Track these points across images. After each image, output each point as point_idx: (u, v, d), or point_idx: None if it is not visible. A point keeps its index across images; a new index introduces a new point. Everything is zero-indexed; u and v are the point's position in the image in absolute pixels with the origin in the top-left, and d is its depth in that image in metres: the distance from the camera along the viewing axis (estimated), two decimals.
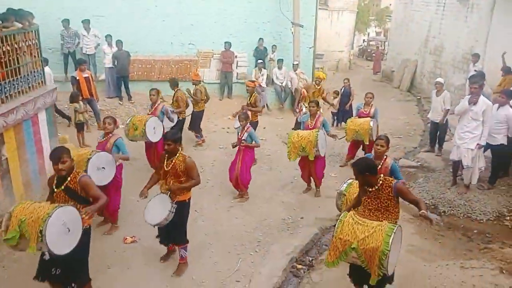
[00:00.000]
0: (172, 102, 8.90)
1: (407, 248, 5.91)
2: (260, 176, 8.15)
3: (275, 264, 5.45)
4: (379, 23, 31.30)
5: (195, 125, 9.72)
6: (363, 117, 8.45)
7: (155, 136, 7.55)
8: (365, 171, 4.11)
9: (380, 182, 4.15)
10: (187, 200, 5.06)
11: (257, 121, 8.97)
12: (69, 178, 4.10)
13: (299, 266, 5.54)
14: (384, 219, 4.09)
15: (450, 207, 7.13)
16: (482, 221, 6.75)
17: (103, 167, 5.56)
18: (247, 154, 7.24)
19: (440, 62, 15.08)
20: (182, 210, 5.00)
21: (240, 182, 7.19)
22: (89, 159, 5.44)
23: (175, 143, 4.87)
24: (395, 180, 4.22)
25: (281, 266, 5.40)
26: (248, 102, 8.81)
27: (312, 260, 5.69)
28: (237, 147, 7.24)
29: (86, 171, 5.17)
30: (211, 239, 5.92)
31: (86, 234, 4.13)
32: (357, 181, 4.82)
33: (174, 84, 9.06)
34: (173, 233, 5.09)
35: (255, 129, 8.54)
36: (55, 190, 4.15)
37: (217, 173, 8.22)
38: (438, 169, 8.70)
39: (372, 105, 8.57)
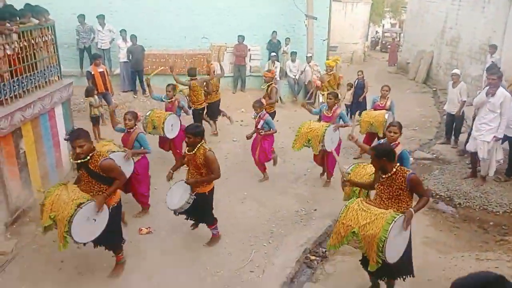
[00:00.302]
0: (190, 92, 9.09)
1: (422, 240, 5.89)
2: (273, 169, 8.16)
3: (289, 255, 5.47)
4: (394, 14, 30.90)
5: (215, 115, 9.83)
6: (379, 109, 8.39)
7: (172, 132, 7.74)
8: (383, 156, 4.09)
9: (394, 170, 4.12)
10: (207, 193, 5.23)
11: (274, 111, 9.06)
12: (90, 160, 4.33)
13: (313, 257, 5.56)
14: (395, 208, 4.08)
15: (465, 199, 7.06)
16: (498, 213, 6.67)
17: (119, 166, 5.69)
18: (266, 141, 7.49)
19: (456, 53, 14.84)
20: (202, 202, 5.19)
21: (259, 166, 7.64)
22: None
23: (195, 136, 4.99)
24: (410, 171, 4.18)
25: (294, 257, 5.43)
26: (266, 92, 8.88)
27: (325, 251, 5.68)
28: (254, 135, 7.54)
29: None
30: (225, 230, 5.96)
31: (114, 211, 4.58)
32: (364, 164, 4.90)
33: (192, 74, 9.09)
34: (199, 219, 5.55)
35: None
36: (78, 171, 4.48)
37: (230, 166, 8.27)
38: (454, 161, 8.61)
39: (388, 97, 8.49)
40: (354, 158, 8.88)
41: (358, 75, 11.08)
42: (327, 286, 5.00)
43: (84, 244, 4.53)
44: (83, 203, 4.21)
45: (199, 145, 5.03)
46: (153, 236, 5.83)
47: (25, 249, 5.40)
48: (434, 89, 15.64)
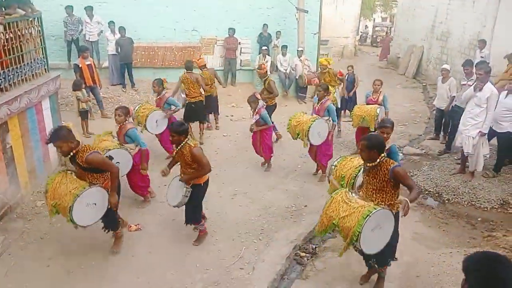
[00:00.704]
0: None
1: (411, 236, 5.93)
2: (264, 164, 8.16)
3: (279, 251, 5.47)
4: (385, 8, 30.87)
5: (210, 109, 9.84)
6: (371, 104, 8.40)
7: (157, 128, 7.64)
8: (374, 148, 4.08)
9: (378, 160, 4.10)
10: (202, 184, 5.27)
11: (275, 104, 9.10)
12: (77, 155, 4.52)
13: (303, 254, 5.56)
14: (379, 200, 4.14)
15: (454, 195, 7.11)
16: (486, 209, 6.73)
17: (117, 162, 5.63)
18: (265, 135, 7.63)
19: (446, 48, 14.90)
20: (196, 192, 5.23)
21: (264, 158, 7.91)
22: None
23: (179, 134, 5.02)
24: (395, 163, 4.17)
25: (284, 254, 5.42)
26: (264, 87, 8.88)
27: (315, 247, 5.70)
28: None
29: None
30: (215, 226, 5.94)
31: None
32: (351, 157, 4.94)
33: (188, 67, 8.98)
34: (187, 214, 5.39)
35: (272, 112, 8.82)
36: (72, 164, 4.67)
37: (220, 161, 8.22)
38: (443, 157, 8.65)
39: (380, 92, 8.46)
40: (352, 154, 8.87)
41: (348, 70, 11.09)
42: (317, 282, 5.00)
43: (84, 227, 4.81)
44: (79, 194, 4.46)
45: (183, 143, 5.04)
46: (142, 233, 5.78)
47: (12, 246, 5.32)
48: (424, 84, 15.71)
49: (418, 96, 14.36)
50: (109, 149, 5.75)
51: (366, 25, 30.70)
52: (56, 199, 4.57)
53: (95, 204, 4.65)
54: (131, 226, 5.84)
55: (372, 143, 4.10)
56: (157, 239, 5.63)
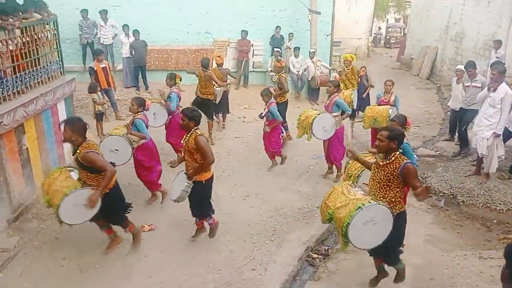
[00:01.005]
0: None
1: (425, 238, 5.88)
2: (276, 166, 8.15)
3: (291, 253, 5.46)
4: (399, 9, 30.61)
5: (221, 107, 9.91)
6: (383, 105, 8.33)
7: (155, 121, 7.66)
8: (395, 139, 4.05)
9: (393, 158, 4.07)
10: (203, 182, 5.20)
11: (286, 101, 9.02)
12: (78, 151, 4.62)
13: (315, 255, 5.54)
14: (381, 196, 4.11)
15: (469, 196, 7.01)
16: (502, 211, 6.63)
17: (116, 149, 5.87)
18: (273, 132, 7.59)
19: (461, 49, 14.73)
20: (198, 190, 5.20)
21: (269, 156, 7.86)
22: (100, 141, 5.94)
23: (189, 119, 5.05)
24: (408, 160, 4.12)
25: (296, 255, 5.42)
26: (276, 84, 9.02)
27: (328, 249, 5.68)
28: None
29: None
30: (227, 227, 5.95)
31: (111, 193, 4.79)
32: (364, 154, 5.06)
33: (204, 64, 9.05)
34: (194, 210, 5.44)
35: (285, 110, 8.79)
36: (72, 156, 4.77)
37: (233, 163, 8.25)
38: (458, 158, 8.56)
39: (392, 92, 8.40)
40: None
41: (362, 70, 11.00)
42: (329, 284, 4.99)
43: (70, 225, 4.86)
44: (68, 194, 4.55)
45: (192, 130, 5.06)
46: (154, 233, 5.83)
47: (27, 245, 5.40)
48: (438, 85, 15.54)
49: (432, 97, 14.21)
50: (111, 135, 5.96)
51: (379, 27, 30.32)
52: (49, 194, 4.73)
53: (84, 205, 4.57)
54: (144, 227, 5.89)
55: (395, 133, 4.08)
56: (169, 240, 5.67)
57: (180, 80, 8.11)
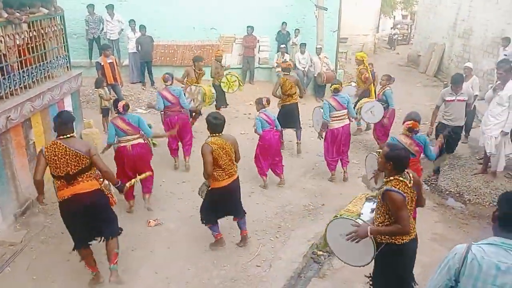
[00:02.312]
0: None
1: (431, 237, 5.85)
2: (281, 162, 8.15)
3: (296, 250, 5.47)
4: (406, 6, 30.37)
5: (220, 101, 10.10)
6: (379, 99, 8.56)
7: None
8: (391, 160, 3.55)
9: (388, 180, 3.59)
10: (211, 188, 5.12)
11: (289, 105, 8.39)
12: None
13: (320, 253, 5.53)
14: (377, 215, 3.72)
15: (475, 195, 6.99)
16: None
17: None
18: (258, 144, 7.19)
19: (469, 46, 14.60)
20: (206, 194, 5.19)
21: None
22: None
23: (207, 124, 4.96)
24: (395, 187, 3.50)
25: (301, 252, 5.43)
26: None
27: None
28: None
29: None
30: (232, 224, 5.93)
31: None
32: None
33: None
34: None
35: (285, 115, 8.40)
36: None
37: None
38: (464, 157, 8.50)
39: (385, 87, 8.30)
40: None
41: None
42: (334, 281, 4.98)
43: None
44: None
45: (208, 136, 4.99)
46: (161, 228, 5.85)
47: (33, 240, 5.45)
48: (445, 82, 15.39)
49: (439, 95, 14.07)
50: None
51: (394, 25, 28.43)
52: None
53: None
54: (150, 222, 5.92)
55: (392, 155, 3.55)
56: (175, 235, 5.69)
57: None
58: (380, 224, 3.63)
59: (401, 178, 3.54)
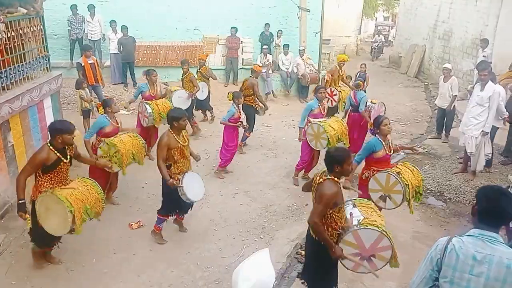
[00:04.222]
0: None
1: (412, 235, 5.92)
2: (265, 163, 8.17)
3: (280, 250, 5.47)
4: (387, 7, 30.81)
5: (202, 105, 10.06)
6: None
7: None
8: (333, 163, 3.84)
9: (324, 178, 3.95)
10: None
11: (246, 104, 8.46)
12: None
13: (303, 253, 5.54)
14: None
15: (456, 194, 7.10)
16: None
17: None
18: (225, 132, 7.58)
19: (448, 48, 14.86)
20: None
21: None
22: None
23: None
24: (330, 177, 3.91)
25: (285, 252, 5.43)
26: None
27: None
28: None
29: None
30: (216, 225, 5.95)
31: None
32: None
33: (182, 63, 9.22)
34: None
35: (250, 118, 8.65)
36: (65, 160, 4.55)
37: None
38: (445, 156, 8.64)
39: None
40: None
41: (361, 67, 10.90)
42: None
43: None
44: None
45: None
46: (143, 231, 5.78)
47: (13, 244, 5.33)
48: (426, 83, 15.68)
49: (420, 95, 14.33)
50: None
51: (379, 30, 26.34)
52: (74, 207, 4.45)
53: None
54: (132, 224, 5.85)
55: (330, 157, 3.88)
56: None
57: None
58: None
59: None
